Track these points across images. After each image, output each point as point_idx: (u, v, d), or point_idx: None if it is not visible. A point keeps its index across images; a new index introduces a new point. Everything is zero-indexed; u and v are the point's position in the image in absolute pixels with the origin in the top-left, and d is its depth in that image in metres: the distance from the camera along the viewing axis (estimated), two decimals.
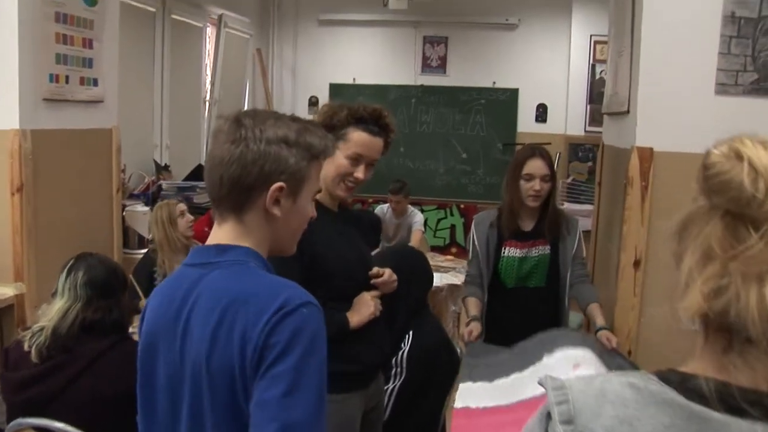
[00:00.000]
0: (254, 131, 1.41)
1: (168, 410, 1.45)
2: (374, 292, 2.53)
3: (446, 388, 2.94)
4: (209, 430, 1.38)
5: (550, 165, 3.11)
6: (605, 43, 8.24)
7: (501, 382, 2.53)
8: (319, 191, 2.41)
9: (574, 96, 8.42)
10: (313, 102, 8.82)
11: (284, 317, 1.30)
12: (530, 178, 3.09)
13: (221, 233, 1.47)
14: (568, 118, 8.48)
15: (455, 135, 8.63)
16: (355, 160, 2.44)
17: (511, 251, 3.19)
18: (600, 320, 3.02)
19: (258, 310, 1.32)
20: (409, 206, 6.39)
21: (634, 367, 2.73)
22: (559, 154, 7.89)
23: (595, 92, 8.38)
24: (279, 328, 1.29)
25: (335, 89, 8.66)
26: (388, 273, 2.57)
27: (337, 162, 2.42)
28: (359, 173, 2.45)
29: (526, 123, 8.67)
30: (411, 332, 3.04)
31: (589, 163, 8.31)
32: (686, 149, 2.84)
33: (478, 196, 8.70)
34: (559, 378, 0.94)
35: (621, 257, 2.90)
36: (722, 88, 2.81)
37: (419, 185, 8.02)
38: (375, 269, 2.57)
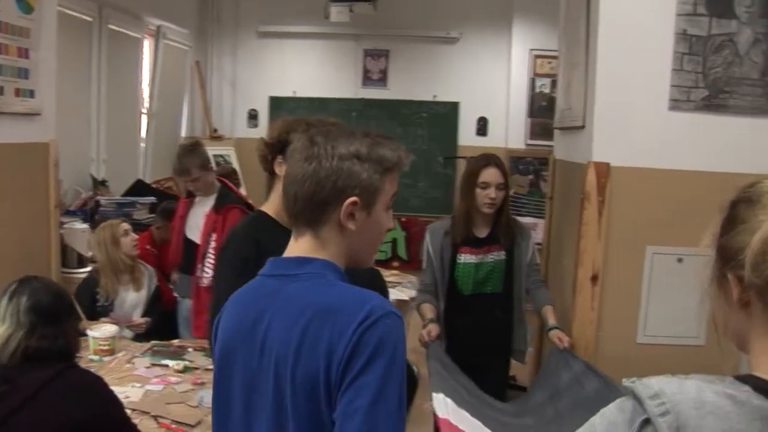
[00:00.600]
0: (326, 148, 1.45)
1: (243, 419, 1.48)
2: None
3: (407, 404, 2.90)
4: None
5: (505, 173, 3.21)
6: (545, 57, 8.45)
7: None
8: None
9: (515, 109, 8.50)
10: (252, 115, 8.71)
11: (369, 328, 1.33)
12: (486, 186, 3.17)
13: (298, 247, 1.52)
14: (509, 132, 8.56)
15: None
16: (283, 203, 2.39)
17: (466, 257, 3.24)
18: (552, 320, 3.13)
19: (344, 321, 1.34)
20: None
21: (593, 369, 2.74)
22: None
23: (536, 106, 8.49)
24: (365, 339, 1.32)
25: (275, 102, 8.57)
26: None
27: None
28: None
29: (466, 136, 8.72)
30: None
31: (530, 176, 8.40)
32: (641, 164, 2.88)
33: (420, 209, 8.71)
34: (651, 383, 0.94)
35: (578, 272, 2.91)
36: (675, 104, 2.84)
37: None
38: None
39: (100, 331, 3.51)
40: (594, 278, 2.88)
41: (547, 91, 8.50)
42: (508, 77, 8.56)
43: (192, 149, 4.26)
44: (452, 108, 8.68)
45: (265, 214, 2.48)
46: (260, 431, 1.46)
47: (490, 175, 3.18)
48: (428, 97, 8.66)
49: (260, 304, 1.49)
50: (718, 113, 2.86)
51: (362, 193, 1.46)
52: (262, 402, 1.45)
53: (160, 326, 4.22)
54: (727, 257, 1.00)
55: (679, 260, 2.91)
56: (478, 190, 3.19)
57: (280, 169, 2.42)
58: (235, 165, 7.49)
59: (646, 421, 0.92)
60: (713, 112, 2.86)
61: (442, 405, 2.49)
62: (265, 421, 1.44)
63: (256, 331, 1.47)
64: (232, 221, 4.04)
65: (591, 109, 2.89)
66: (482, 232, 3.27)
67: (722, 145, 2.88)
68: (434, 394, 2.55)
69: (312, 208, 1.47)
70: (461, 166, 7.98)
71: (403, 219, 8.69)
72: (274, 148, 2.41)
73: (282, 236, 2.42)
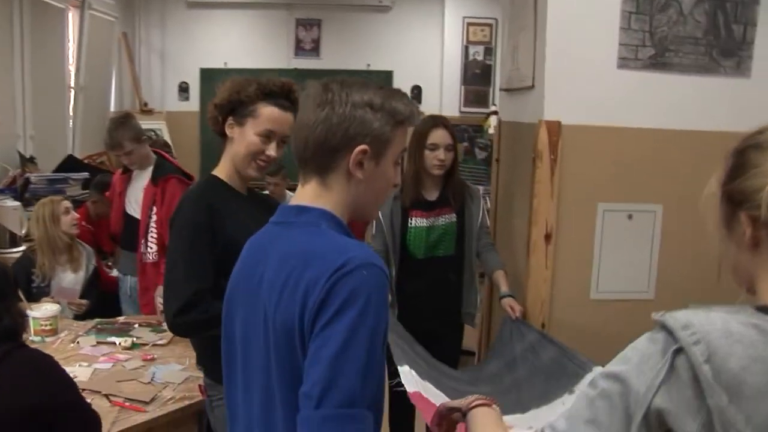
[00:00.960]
0: (341, 95, 1.44)
1: (243, 361, 1.53)
2: None
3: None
4: (275, 383, 1.41)
5: (453, 134, 3.22)
6: (478, 25, 8.49)
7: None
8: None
9: (448, 77, 8.52)
10: (183, 88, 8.51)
11: (343, 276, 1.31)
12: (435, 147, 3.17)
13: (302, 194, 1.52)
14: (443, 100, 8.59)
15: None
16: (267, 137, 2.33)
17: (417, 221, 3.23)
18: (504, 287, 3.12)
19: (321, 268, 1.34)
20: (287, 191, 6.26)
21: (548, 338, 2.77)
22: None
23: (469, 73, 8.52)
24: (337, 287, 1.31)
25: (206, 74, 8.39)
26: None
27: (247, 140, 2.32)
28: (271, 151, 2.34)
29: None
30: None
31: (465, 144, 8.45)
32: (591, 122, 2.90)
33: None
34: (678, 316, 1.01)
35: (532, 232, 2.92)
36: (624, 62, 2.87)
37: (296, 170, 7.86)
38: None
39: (41, 310, 3.39)
40: (548, 237, 2.90)
41: (480, 58, 8.55)
42: (442, 45, 8.56)
43: (123, 122, 4.11)
44: (386, 77, 8.63)
45: (216, 178, 2.41)
46: (255, 375, 1.48)
47: (438, 136, 3.17)
48: (362, 67, 8.59)
49: (261, 251, 1.53)
50: (664, 71, 2.90)
51: (373, 142, 1.46)
52: (255, 346, 1.47)
53: (99, 306, 4.11)
54: (740, 200, 1.08)
55: (629, 216, 2.96)
56: (426, 152, 3.17)
57: (232, 131, 2.36)
58: (167, 139, 7.31)
59: (678, 350, 0.98)
60: (660, 70, 2.90)
61: (410, 378, 2.46)
62: (258, 366, 1.47)
63: (254, 277, 1.49)
64: (172, 192, 3.95)
65: (541, 69, 2.89)
66: (432, 195, 3.26)
67: (668, 103, 2.93)
68: (399, 368, 2.51)
69: (322, 153, 1.46)
70: None
71: None
72: (224, 109, 2.35)
73: (235, 200, 2.38)
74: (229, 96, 2.34)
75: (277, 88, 2.36)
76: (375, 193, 1.54)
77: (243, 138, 2.34)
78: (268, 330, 1.42)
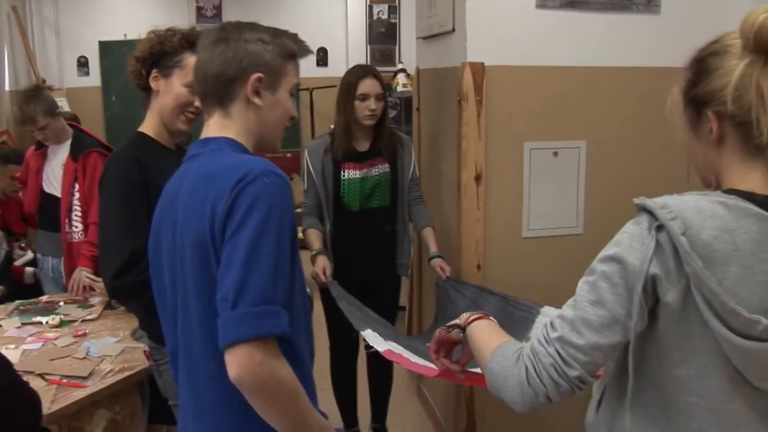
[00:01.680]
0: (234, 33, 1.59)
1: (171, 290, 1.61)
2: None
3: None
4: (192, 301, 1.51)
5: (382, 83, 3.17)
6: None
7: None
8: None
9: (354, 38, 8.48)
10: (82, 62, 8.17)
11: (246, 186, 1.41)
12: (365, 97, 3.14)
13: (208, 128, 1.64)
14: (349, 60, 8.52)
15: None
16: (192, 87, 2.27)
17: (350, 173, 3.20)
18: (433, 247, 3.13)
19: (225, 182, 1.43)
20: None
21: (486, 290, 2.80)
22: None
23: (374, 33, 8.49)
24: (241, 196, 1.41)
25: (106, 47, 8.08)
26: None
27: (175, 91, 2.27)
28: (196, 101, 2.29)
29: (307, 67, 8.44)
30: None
31: None
32: (513, 62, 2.94)
33: None
34: (656, 200, 1.17)
35: (462, 174, 2.95)
36: (542, 2, 2.91)
37: None
38: None
39: None
40: (478, 178, 2.93)
41: (384, 17, 8.52)
42: (346, 6, 8.50)
43: (34, 95, 3.89)
44: None
45: (144, 135, 2.34)
46: (187, 302, 1.55)
47: (368, 86, 3.14)
48: None
49: (174, 188, 1.61)
50: (580, 10, 2.96)
51: (266, 72, 1.59)
52: (181, 272, 1.55)
53: (17, 290, 3.95)
54: (706, 100, 1.20)
55: (555, 154, 3.03)
56: (357, 103, 3.15)
57: (157, 84, 2.29)
58: None
59: (660, 227, 1.14)
60: (576, 8, 2.96)
61: (375, 339, 2.47)
62: (179, 287, 1.56)
63: (172, 208, 1.58)
64: (94, 166, 3.80)
65: (462, 12, 2.90)
66: (363, 146, 3.24)
67: (585, 41, 3.00)
68: (362, 333, 2.54)
69: (220, 85, 1.59)
70: (305, 98, 7.90)
71: None
72: (147, 62, 2.28)
73: (164, 155, 2.32)
74: (151, 47, 2.28)
75: (196, 38, 2.31)
76: (275, 121, 1.65)
77: (170, 90, 2.29)
78: (183, 251, 1.52)
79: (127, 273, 2.12)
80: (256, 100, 1.59)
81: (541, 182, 3.03)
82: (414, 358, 2.36)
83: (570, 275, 1.50)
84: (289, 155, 8.25)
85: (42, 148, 4.09)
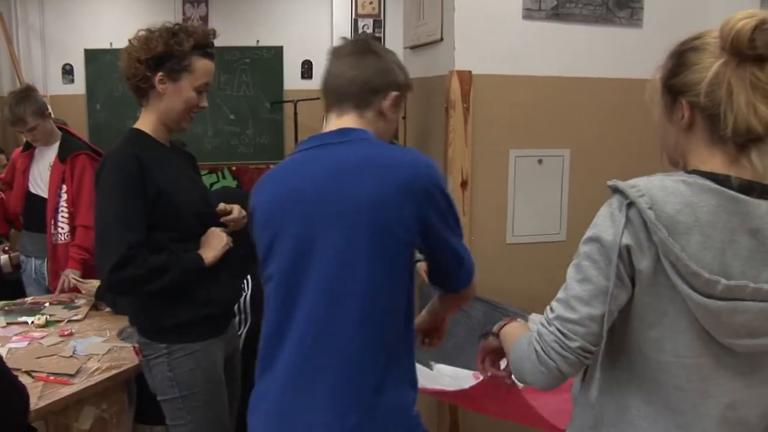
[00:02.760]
0: (379, 49, 1.87)
1: (294, 271, 1.71)
2: (222, 228, 2.43)
3: None
4: (359, 281, 1.68)
5: None
6: None
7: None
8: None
9: None
10: (67, 70, 8.17)
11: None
12: None
13: (340, 122, 1.81)
14: None
15: (221, 96, 8.42)
16: (201, 90, 2.32)
17: None
18: (418, 252, 3.15)
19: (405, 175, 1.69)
20: None
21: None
22: None
23: None
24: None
25: (91, 55, 8.09)
26: (237, 209, 2.48)
27: (185, 96, 2.30)
28: (204, 102, 2.35)
29: (292, 80, 8.67)
30: (249, 276, 2.96)
31: None
32: (500, 71, 3.00)
33: (249, 156, 8.62)
34: (627, 182, 1.33)
35: (448, 179, 3.00)
36: (528, 13, 2.98)
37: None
38: (222, 205, 2.46)
39: None
40: (464, 184, 2.99)
41: (369, 30, 8.60)
42: (331, 19, 8.57)
43: (25, 96, 3.91)
44: (276, 52, 8.56)
45: (141, 132, 2.36)
46: (315, 284, 1.68)
47: None
48: (251, 43, 8.50)
49: (305, 172, 1.76)
50: (565, 22, 3.03)
51: (402, 92, 1.86)
52: (323, 258, 1.68)
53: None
54: (682, 90, 1.35)
55: (539, 161, 3.09)
56: None
57: (164, 87, 2.29)
58: None
59: (630, 204, 1.30)
60: (561, 20, 3.03)
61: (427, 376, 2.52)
62: (321, 272, 1.67)
63: (304, 191, 1.73)
64: (82, 168, 3.83)
65: (450, 21, 2.96)
66: None
67: (569, 52, 3.07)
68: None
69: (364, 92, 1.81)
70: (289, 110, 7.95)
71: (234, 168, 8.57)
72: (152, 63, 2.27)
73: (162, 152, 2.35)
74: (158, 50, 2.26)
75: (204, 38, 2.34)
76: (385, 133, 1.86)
77: (179, 94, 2.30)
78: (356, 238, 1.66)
79: (125, 267, 2.14)
80: (389, 114, 1.82)
81: (526, 189, 3.09)
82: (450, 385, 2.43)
83: (553, 282, 1.58)
84: (272, 166, 8.27)
85: (29, 149, 4.11)
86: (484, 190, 3.04)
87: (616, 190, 1.35)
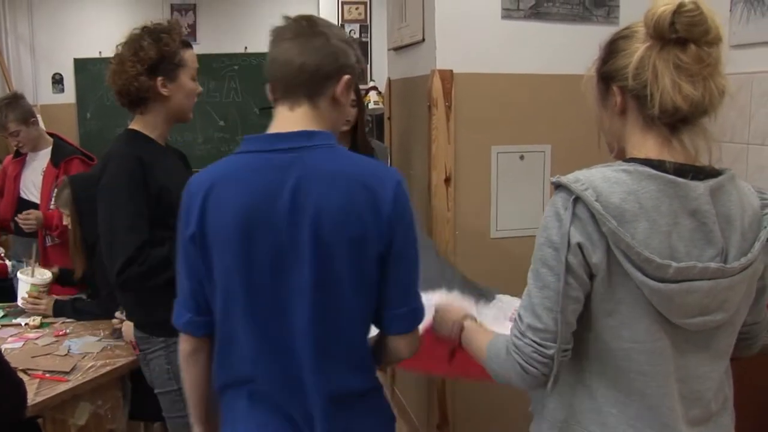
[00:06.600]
0: (326, 28, 1.66)
1: (271, 288, 1.56)
2: None
3: None
4: (346, 290, 1.56)
5: (358, 90, 3.23)
6: (352, 3, 8.59)
7: None
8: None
9: None
10: (57, 79, 8.20)
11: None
12: None
13: (294, 119, 1.65)
14: None
15: (211, 103, 8.46)
16: (194, 77, 2.42)
17: None
18: None
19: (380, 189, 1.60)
20: None
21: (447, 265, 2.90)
22: None
23: None
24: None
25: (81, 64, 8.11)
26: None
27: (187, 88, 2.39)
28: (199, 87, 2.45)
29: None
30: None
31: None
32: (480, 70, 3.09)
33: None
34: (568, 176, 1.35)
35: (432, 176, 3.08)
36: (507, 13, 3.07)
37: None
38: None
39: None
40: (447, 180, 3.07)
41: (356, 35, 8.66)
42: None
43: (10, 102, 3.98)
44: (264, 58, 8.56)
45: (138, 132, 2.43)
46: (299, 297, 1.55)
47: None
48: (239, 50, 8.55)
49: (278, 179, 1.58)
50: (543, 21, 3.12)
51: (353, 75, 1.67)
52: (296, 266, 1.54)
53: None
54: (613, 76, 1.40)
55: (521, 157, 3.17)
56: None
57: (167, 89, 2.36)
58: None
59: (576, 199, 1.31)
60: (539, 19, 3.12)
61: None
62: (303, 283, 1.54)
63: (276, 199, 1.56)
64: (76, 172, 3.89)
65: (431, 22, 3.05)
66: None
67: (548, 50, 3.15)
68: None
69: (316, 79, 1.63)
70: None
71: None
72: (152, 68, 2.33)
73: (160, 153, 2.42)
74: (155, 56, 2.32)
75: (181, 30, 2.45)
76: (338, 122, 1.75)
77: (181, 89, 2.39)
78: (327, 248, 1.53)
79: (132, 265, 2.22)
80: (343, 99, 1.65)
81: (508, 185, 3.16)
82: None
83: None
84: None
85: (20, 156, 4.16)
86: (468, 186, 3.12)
87: (559, 186, 1.36)
